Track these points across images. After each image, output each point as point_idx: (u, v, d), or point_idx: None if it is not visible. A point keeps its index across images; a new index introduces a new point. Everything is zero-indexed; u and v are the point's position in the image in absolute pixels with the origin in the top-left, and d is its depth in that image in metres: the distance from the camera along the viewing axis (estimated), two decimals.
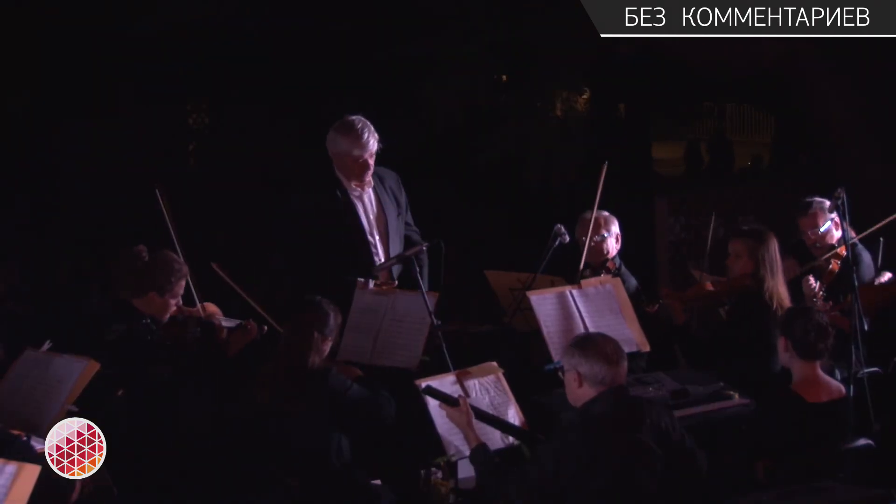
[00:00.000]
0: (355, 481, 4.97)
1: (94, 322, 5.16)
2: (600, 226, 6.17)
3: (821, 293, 5.75)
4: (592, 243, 6.11)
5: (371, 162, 5.84)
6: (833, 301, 6.03)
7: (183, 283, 5.27)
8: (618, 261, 6.22)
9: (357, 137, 5.79)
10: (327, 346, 5.01)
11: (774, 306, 5.71)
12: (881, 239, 6.41)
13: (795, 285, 6.01)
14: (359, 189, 5.91)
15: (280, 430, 4.89)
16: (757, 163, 18.59)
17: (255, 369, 5.09)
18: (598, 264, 6.18)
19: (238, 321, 5.46)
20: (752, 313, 5.76)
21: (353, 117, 5.88)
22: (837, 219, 6.05)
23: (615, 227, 6.25)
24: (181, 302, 5.31)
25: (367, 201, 5.95)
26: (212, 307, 5.55)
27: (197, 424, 5.22)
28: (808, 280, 5.81)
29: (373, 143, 5.81)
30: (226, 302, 5.68)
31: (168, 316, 5.30)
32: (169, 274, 5.21)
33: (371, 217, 5.95)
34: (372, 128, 5.84)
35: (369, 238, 5.92)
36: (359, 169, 5.84)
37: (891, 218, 6.37)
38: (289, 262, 6.04)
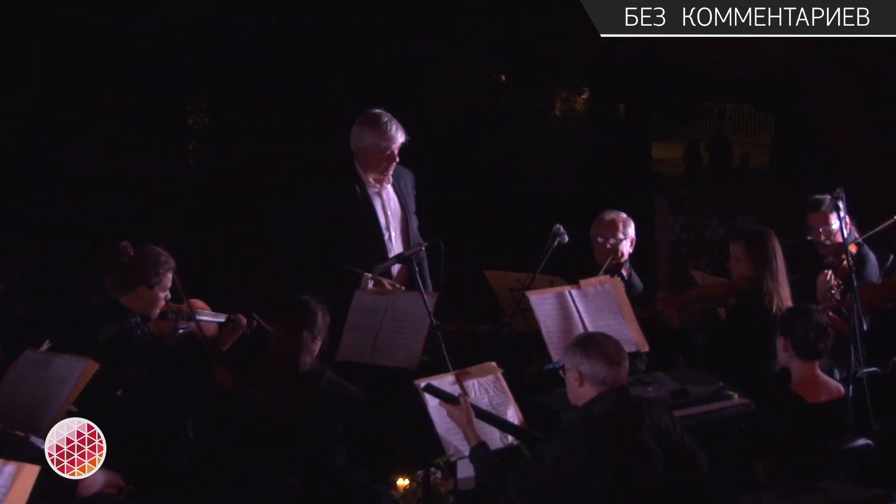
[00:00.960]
0: (355, 482, 4.96)
1: (91, 323, 5.15)
2: (618, 228, 6.15)
3: (837, 287, 5.70)
4: (609, 245, 6.09)
5: (397, 155, 5.91)
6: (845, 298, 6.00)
7: (171, 275, 5.25)
8: (628, 265, 6.19)
9: (384, 130, 5.86)
10: (317, 346, 5.02)
11: (774, 309, 5.66)
12: (892, 256, 6.35)
13: (808, 283, 5.97)
14: (377, 185, 5.95)
15: (278, 432, 4.89)
16: (745, 161, 18.62)
17: (246, 367, 5.09)
18: (612, 267, 6.11)
19: (226, 315, 5.46)
20: (751, 316, 5.74)
21: (377, 111, 5.95)
22: (847, 217, 6.05)
23: (631, 230, 6.21)
24: (169, 296, 5.30)
25: (385, 197, 6.01)
26: (199, 303, 5.55)
27: (195, 424, 5.22)
28: (825, 275, 5.77)
29: (400, 136, 5.89)
30: (215, 301, 5.67)
31: (158, 311, 5.29)
32: (157, 266, 5.20)
33: (388, 213, 6.00)
34: (397, 121, 5.91)
35: (385, 233, 5.96)
36: (385, 162, 5.89)
37: (889, 222, 6.33)
38: (301, 256, 6.07)
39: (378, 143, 5.86)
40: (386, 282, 5.75)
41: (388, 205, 6.01)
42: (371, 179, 5.95)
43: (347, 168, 5.99)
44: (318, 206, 5.92)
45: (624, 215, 6.21)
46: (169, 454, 5.06)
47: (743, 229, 6.19)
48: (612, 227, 6.15)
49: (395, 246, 5.97)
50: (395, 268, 5.91)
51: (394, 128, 5.87)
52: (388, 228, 5.97)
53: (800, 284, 5.97)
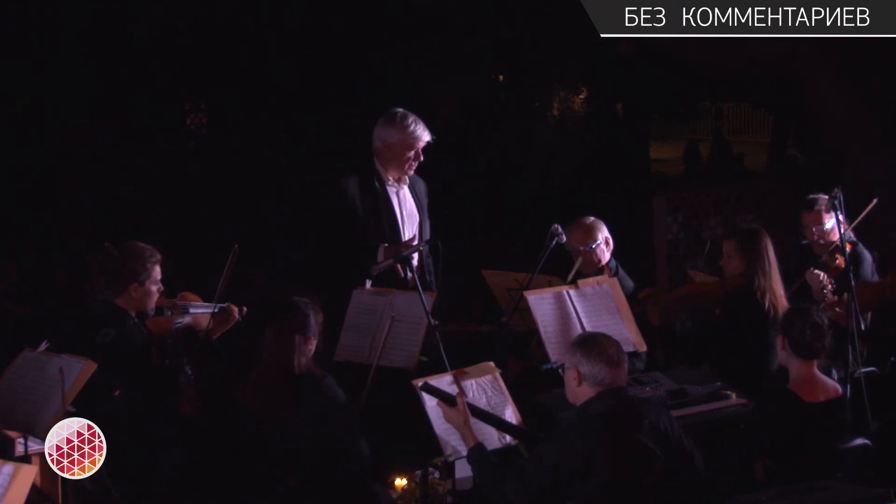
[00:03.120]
0: (355, 482, 4.95)
1: (90, 325, 5.14)
2: (588, 235, 6.06)
3: (830, 286, 5.72)
4: (584, 254, 6.04)
5: (421, 153, 6.04)
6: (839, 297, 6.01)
7: (158, 267, 5.25)
8: (613, 264, 6.16)
9: (411, 127, 6.01)
10: (312, 346, 5.00)
11: (767, 305, 5.75)
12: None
13: (806, 288, 5.98)
14: (396, 184, 6.06)
15: (274, 433, 4.88)
16: (739, 161, 18.64)
17: (236, 363, 5.09)
18: (594, 273, 6.04)
19: (219, 305, 5.46)
20: (744, 312, 5.79)
21: (401, 110, 6.11)
22: (842, 217, 6.06)
23: (602, 233, 6.11)
24: (162, 288, 5.30)
25: (402, 197, 6.12)
26: (191, 296, 5.55)
27: (194, 426, 5.22)
28: (816, 274, 5.80)
29: (426, 135, 6.04)
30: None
31: (153, 305, 5.29)
32: (143, 261, 5.20)
33: (405, 212, 6.10)
34: (421, 120, 6.07)
35: (402, 230, 6.04)
36: (410, 159, 6.02)
37: (872, 205, 6.33)
38: (305, 253, 6.10)
39: (405, 139, 6.00)
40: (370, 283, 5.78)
41: (405, 204, 6.13)
42: (390, 178, 6.06)
43: (367, 165, 6.08)
44: (341, 198, 5.96)
45: (590, 220, 6.10)
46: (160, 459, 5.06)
47: (735, 229, 6.27)
48: (583, 236, 6.05)
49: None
50: (414, 259, 5.93)
51: (420, 126, 6.04)
52: (403, 227, 6.04)
53: (800, 290, 5.97)
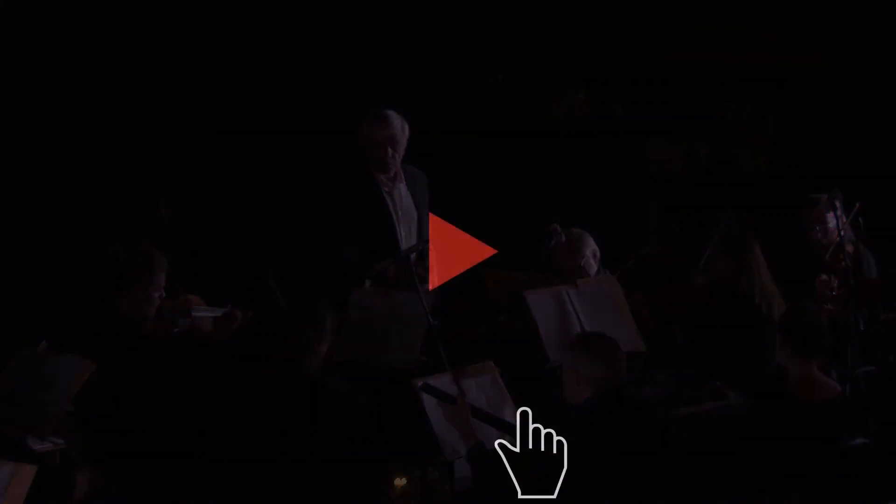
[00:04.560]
0: (355, 482, 4.95)
1: (89, 325, 5.13)
2: (574, 251, 6.01)
3: (838, 287, 5.73)
4: (574, 269, 6.01)
5: (392, 150, 5.92)
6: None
7: (164, 274, 5.23)
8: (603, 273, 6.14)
9: (378, 119, 5.92)
10: (324, 348, 4.98)
11: (758, 300, 5.77)
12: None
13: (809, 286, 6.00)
14: (389, 184, 5.99)
15: (280, 434, 4.87)
16: (739, 161, 18.60)
17: (242, 365, 5.09)
18: None
19: (223, 310, 5.44)
20: (736, 310, 5.82)
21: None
22: (844, 217, 6.09)
23: (589, 247, 6.06)
24: (164, 295, 5.29)
25: (397, 197, 6.06)
26: (196, 299, 5.54)
27: (196, 425, 5.22)
28: (822, 278, 5.80)
29: (395, 127, 5.91)
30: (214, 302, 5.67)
31: (153, 310, 5.27)
32: (150, 267, 5.18)
33: (399, 212, 6.05)
34: (399, 116, 5.96)
35: (398, 231, 6.02)
36: (379, 152, 5.91)
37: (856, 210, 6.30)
38: (301, 256, 6.10)
39: (372, 130, 5.92)
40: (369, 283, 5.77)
41: (400, 204, 6.06)
42: (382, 177, 6.00)
43: (361, 166, 6.04)
44: (342, 200, 5.95)
45: (575, 234, 6.04)
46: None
47: (718, 230, 6.40)
48: (570, 252, 6.02)
49: (405, 246, 5.99)
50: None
51: (389, 117, 5.94)
52: (399, 227, 6.00)
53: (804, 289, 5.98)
